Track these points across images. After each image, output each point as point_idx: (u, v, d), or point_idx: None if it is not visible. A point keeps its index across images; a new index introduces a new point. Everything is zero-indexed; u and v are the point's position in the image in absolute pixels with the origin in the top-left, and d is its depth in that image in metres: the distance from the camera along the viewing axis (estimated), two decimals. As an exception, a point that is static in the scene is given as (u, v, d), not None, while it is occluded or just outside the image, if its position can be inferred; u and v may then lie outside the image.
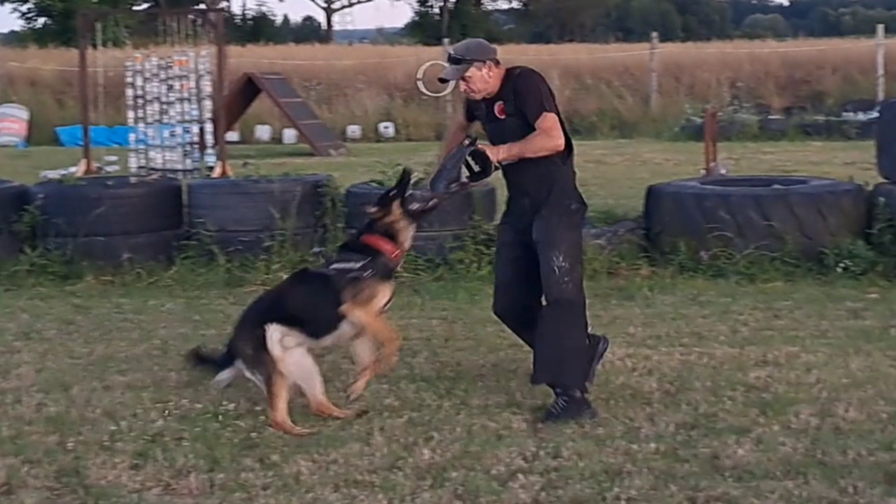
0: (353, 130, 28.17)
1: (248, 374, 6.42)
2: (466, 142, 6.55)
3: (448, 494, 5.27)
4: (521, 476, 5.45)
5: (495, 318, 8.57)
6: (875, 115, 14.77)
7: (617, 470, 5.53)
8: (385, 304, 6.59)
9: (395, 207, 6.62)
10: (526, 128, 6.54)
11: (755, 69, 31.09)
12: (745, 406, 6.49)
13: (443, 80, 6.84)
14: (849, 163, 17.63)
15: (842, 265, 9.95)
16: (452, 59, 6.72)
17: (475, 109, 6.87)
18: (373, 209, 6.70)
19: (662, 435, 6.03)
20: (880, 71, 27.99)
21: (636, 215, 11.05)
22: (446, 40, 31.03)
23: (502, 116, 6.68)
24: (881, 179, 10.75)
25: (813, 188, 10.68)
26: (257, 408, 6.56)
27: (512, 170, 6.65)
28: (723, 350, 7.66)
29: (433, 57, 29.20)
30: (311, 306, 6.50)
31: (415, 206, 6.61)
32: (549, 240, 6.55)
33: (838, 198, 10.37)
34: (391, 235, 6.62)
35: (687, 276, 10.05)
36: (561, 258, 6.50)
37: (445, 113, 27.70)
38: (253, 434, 6.15)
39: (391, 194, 6.68)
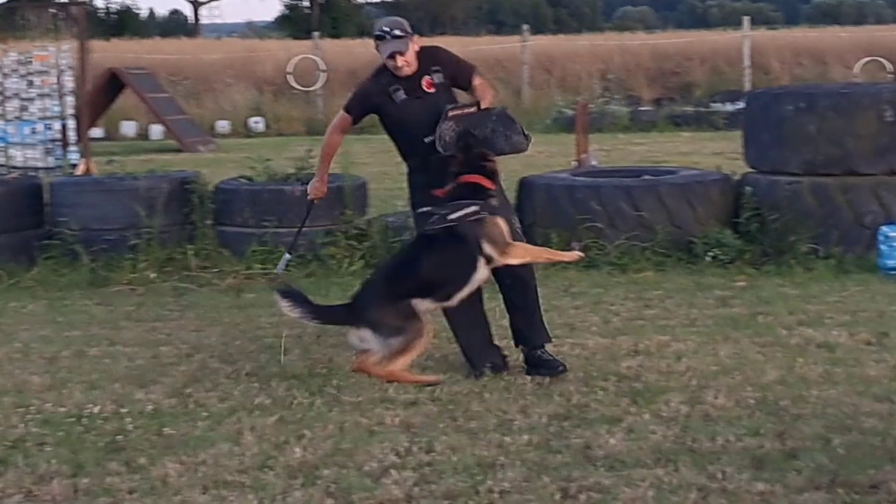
0: (223, 126, 27.84)
1: (374, 343, 6.41)
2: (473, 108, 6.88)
3: (320, 493, 5.21)
4: (393, 472, 5.41)
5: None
6: (742, 105, 14.97)
7: (490, 463, 5.51)
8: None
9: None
10: (449, 100, 6.93)
11: (625, 61, 31.44)
12: (616, 396, 6.52)
13: (392, 56, 6.89)
14: (717, 153, 17.88)
15: (710, 254, 10.06)
16: (393, 35, 6.84)
17: (388, 92, 6.95)
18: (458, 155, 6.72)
19: (535, 426, 6.02)
20: (747, 62, 28.47)
21: (508, 207, 11.03)
22: (316, 34, 30.84)
23: (431, 90, 6.92)
24: (748, 169, 10.90)
25: (682, 178, 10.79)
26: (123, 409, 6.44)
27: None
28: (595, 340, 7.68)
29: (303, 51, 29.08)
30: (450, 265, 6.55)
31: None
32: (509, 209, 7.06)
33: (707, 187, 10.49)
34: (485, 173, 6.70)
35: (559, 267, 10.07)
36: (518, 224, 6.89)
37: (316, 107, 27.56)
38: (118, 437, 6.00)
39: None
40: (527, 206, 10.70)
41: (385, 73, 7.06)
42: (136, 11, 75.70)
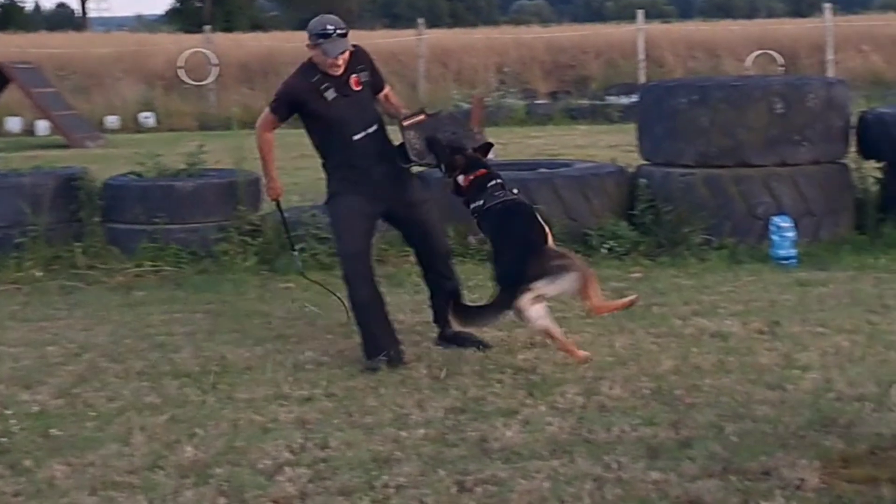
0: (112, 121, 27.39)
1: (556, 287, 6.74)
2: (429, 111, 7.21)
3: (212, 492, 5.13)
4: (288, 469, 5.34)
5: (262, 309, 8.48)
6: (636, 98, 15.09)
7: (385, 458, 5.47)
8: None
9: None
10: (372, 98, 7.16)
11: (521, 54, 31.54)
12: (513, 388, 6.51)
13: (333, 58, 6.93)
14: (612, 145, 17.98)
15: (606, 246, 10.11)
16: (339, 34, 6.90)
17: (319, 90, 6.97)
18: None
19: (431, 420, 5.99)
20: (641, 55, 28.72)
21: (403, 201, 10.98)
22: (208, 27, 30.52)
23: (358, 88, 7.04)
24: (642, 161, 10.97)
25: (577, 171, 10.83)
26: (7, 411, 6.30)
27: (374, 139, 7.07)
28: (491, 333, 7.64)
29: (195, 45, 28.75)
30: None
31: None
32: (428, 198, 7.31)
33: (602, 180, 10.53)
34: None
35: (456, 260, 9.98)
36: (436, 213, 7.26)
37: (208, 102, 27.27)
38: (3, 439, 5.86)
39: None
40: (423, 199, 10.64)
41: (313, 71, 7.05)
42: (21, 5, 74.37)
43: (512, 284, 6.70)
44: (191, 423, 6.04)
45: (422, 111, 7.30)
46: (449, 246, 7.65)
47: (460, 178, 7.13)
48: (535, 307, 6.71)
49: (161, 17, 77.46)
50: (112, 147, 22.62)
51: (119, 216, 10.50)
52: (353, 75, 7.05)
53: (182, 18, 65.59)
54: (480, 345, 7.35)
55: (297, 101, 7.07)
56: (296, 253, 8.38)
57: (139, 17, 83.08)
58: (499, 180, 7.12)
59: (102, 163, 16.46)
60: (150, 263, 10.03)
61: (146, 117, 27.55)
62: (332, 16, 7.12)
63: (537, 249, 6.81)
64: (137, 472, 5.35)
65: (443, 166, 7.16)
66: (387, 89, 7.34)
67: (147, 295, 9.37)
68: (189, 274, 9.88)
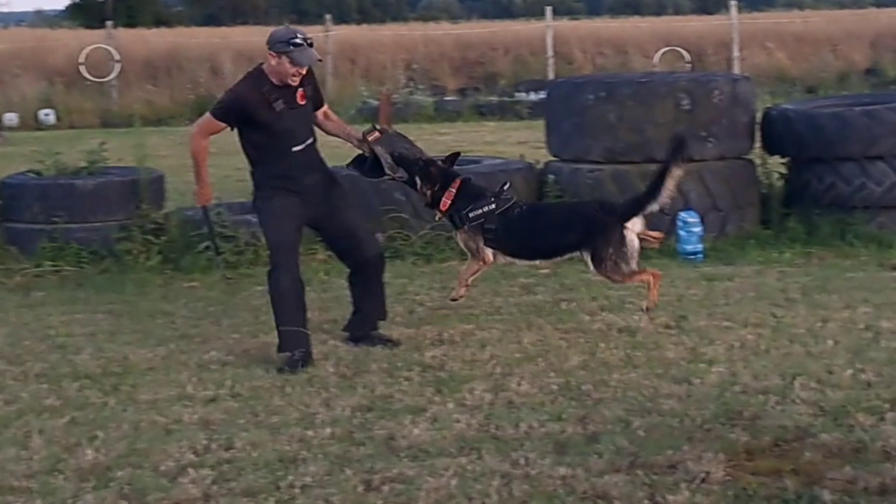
0: (10, 118, 26.84)
1: None
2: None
3: (113, 495, 5.05)
4: (191, 471, 5.27)
5: (165, 309, 8.37)
6: (544, 95, 15.12)
7: (292, 457, 5.42)
8: None
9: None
10: (312, 113, 7.26)
11: (430, 51, 31.51)
12: (421, 385, 6.49)
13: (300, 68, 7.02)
14: (521, 142, 18.02)
15: (515, 242, 10.08)
16: (309, 44, 7.01)
17: (269, 101, 6.98)
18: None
19: (338, 419, 5.95)
20: (550, 52, 28.81)
21: (311, 199, 10.91)
22: (110, 23, 30.07)
23: (303, 102, 7.12)
24: (551, 157, 10.98)
25: (486, 167, 10.80)
26: None
27: (310, 150, 7.18)
28: (399, 331, 7.62)
29: (96, 41, 28.32)
30: None
31: None
32: (354, 205, 7.49)
33: (510, 176, 10.48)
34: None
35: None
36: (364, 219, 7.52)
37: (111, 99, 26.89)
38: None
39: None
40: (329, 196, 10.58)
41: (264, 81, 7.04)
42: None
43: None
44: (91, 426, 5.94)
45: (374, 128, 7.47)
46: (381, 251, 7.63)
47: (439, 193, 7.41)
48: None
49: (62, 12, 76.11)
50: (11, 145, 22.14)
51: (17, 216, 10.27)
52: (300, 89, 7.08)
53: (83, 14, 64.47)
54: (389, 342, 7.30)
55: (245, 110, 7.03)
56: (220, 258, 8.29)
57: (39, 13, 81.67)
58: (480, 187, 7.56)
59: (0, 161, 16.19)
60: (50, 263, 9.84)
61: (46, 114, 27.03)
62: (296, 27, 7.22)
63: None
64: (36, 477, 5.25)
65: (417, 179, 7.44)
66: (325, 107, 7.45)
67: (47, 295, 9.20)
68: (90, 274, 9.72)
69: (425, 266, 9.83)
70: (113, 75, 27.45)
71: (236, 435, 5.73)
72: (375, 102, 22.42)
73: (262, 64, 7.16)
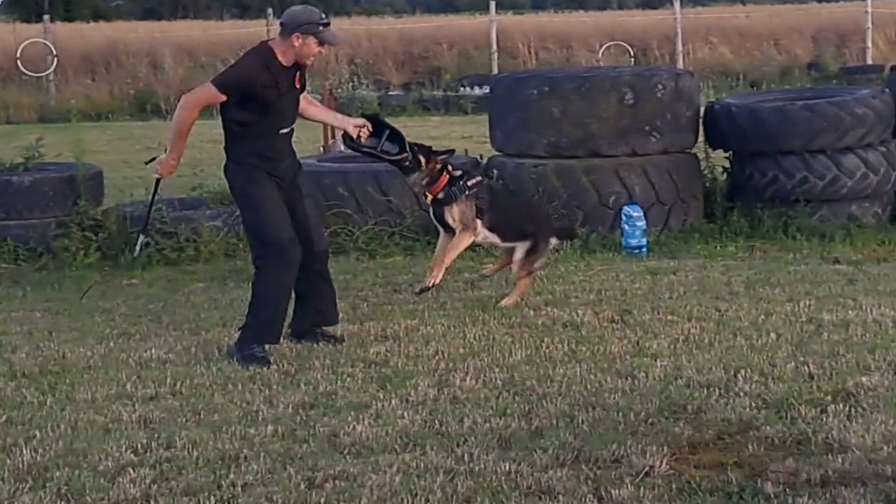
0: (-54, 113, 26.52)
1: None
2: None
3: (50, 495, 4.96)
4: (130, 470, 5.20)
5: (104, 306, 8.28)
6: (488, 89, 15.11)
7: (233, 456, 5.36)
8: None
9: None
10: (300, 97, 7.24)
11: (374, 46, 31.43)
12: (364, 382, 6.44)
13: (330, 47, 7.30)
14: (465, 136, 17.99)
15: (458, 237, 10.05)
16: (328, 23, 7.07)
17: (276, 82, 6.92)
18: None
19: (280, 417, 5.89)
20: (494, 47, 28.83)
21: (253, 195, 10.83)
22: (47, 17, 29.75)
23: (299, 86, 7.13)
24: (495, 152, 10.96)
25: (430, 162, 10.75)
26: None
27: (290, 135, 7.19)
28: (343, 327, 7.56)
29: (33, 35, 28.03)
30: None
31: None
32: (308, 196, 7.36)
33: (454, 171, 10.47)
34: None
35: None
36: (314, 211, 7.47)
37: (48, 94, 26.61)
38: None
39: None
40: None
41: (273, 61, 6.95)
42: None
43: None
44: (29, 425, 5.85)
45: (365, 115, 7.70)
46: (327, 246, 7.56)
47: (437, 176, 7.84)
48: None
49: (-3, 7, 75.22)
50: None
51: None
52: (299, 72, 7.06)
53: (20, 8, 63.65)
54: (332, 339, 7.25)
55: (251, 87, 6.91)
56: (143, 238, 8.14)
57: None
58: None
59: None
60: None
61: (-18, 110, 26.74)
62: (313, 8, 7.13)
63: None
64: (-29, 478, 5.15)
65: (421, 162, 7.90)
66: (306, 93, 7.39)
67: (-13, 294, 9.08)
68: (27, 271, 9.62)
69: (369, 262, 9.79)
70: (50, 70, 27.17)
71: (177, 433, 5.65)
72: (318, 98, 22.31)
73: (267, 42, 7.11)
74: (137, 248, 8.12)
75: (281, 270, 6.98)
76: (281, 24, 7.05)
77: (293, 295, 7.21)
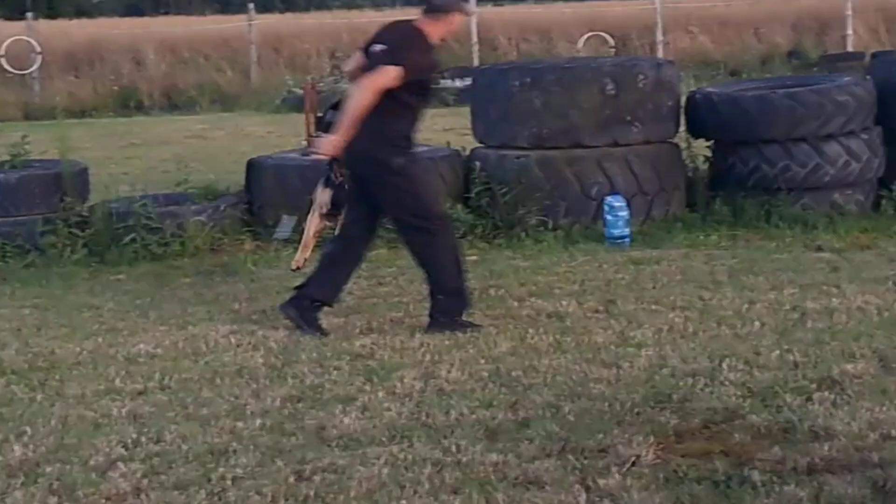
0: (-70, 112, 26.45)
1: None
2: None
3: (42, 491, 4.98)
4: (121, 465, 5.22)
5: (92, 302, 8.30)
6: (470, 81, 15.12)
7: (222, 449, 5.38)
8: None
9: None
10: None
11: (354, 39, 31.22)
12: (350, 375, 6.47)
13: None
14: (447, 129, 17.94)
15: (442, 229, 10.08)
16: None
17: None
18: None
19: (268, 410, 5.92)
20: (474, 38, 28.82)
21: (238, 189, 10.88)
22: (30, 14, 29.66)
23: None
24: (477, 144, 10.99)
25: (412, 154, 10.79)
26: None
27: None
28: (328, 320, 7.57)
29: (17, 32, 27.92)
30: None
31: None
32: None
33: (437, 163, 10.51)
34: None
35: (292, 248, 9.92)
36: None
37: (32, 91, 26.55)
38: None
39: None
40: (256, 187, 10.57)
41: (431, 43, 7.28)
42: None
43: None
44: (19, 422, 5.87)
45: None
46: None
47: None
48: None
49: (-20, 4, 74.90)
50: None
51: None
52: None
53: (2, 5, 63.46)
54: (319, 332, 7.29)
55: (430, 71, 7.30)
56: (288, 218, 8.33)
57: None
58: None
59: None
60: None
61: (-34, 108, 26.67)
62: None
63: None
64: (-37, 475, 5.17)
65: None
66: None
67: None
68: (15, 268, 9.60)
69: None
70: (34, 67, 27.10)
71: (166, 428, 5.68)
72: (301, 92, 22.31)
73: (412, 23, 7.27)
74: (285, 230, 8.18)
75: (451, 238, 7.38)
76: (436, 4, 7.23)
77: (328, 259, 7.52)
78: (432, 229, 7.25)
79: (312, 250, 8.00)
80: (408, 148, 7.26)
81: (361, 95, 7.03)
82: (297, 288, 7.53)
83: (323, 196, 7.84)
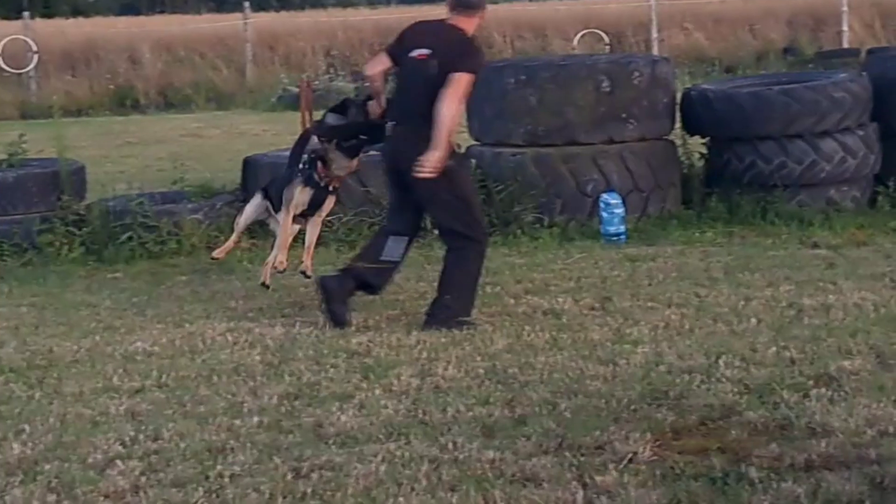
0: (-72, 112, 26.43)
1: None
2: None
3: (41, 488, 4.99)
4: (119, 462, 5.23)
5: (89, 300, 8.30)
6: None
7: (220, 447, 5.39)
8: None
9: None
10: None
11: (349, 37, 31.35)
12: (347, 372, 6.48)
13: None
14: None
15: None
16: None
17: None
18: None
19: (266, 408, 5.93)
20: (469, 36, 28.80)
21: (234, 188, 10.90)
22: (26, 14, 29.63)
23: None
24: (472, 142, 11.00)
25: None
26: None
27: None
28: (323, 318, 7.59)
29: (13, 32, 27.90)
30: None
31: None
32: None
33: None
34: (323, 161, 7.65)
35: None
36: None
37: (29, 90, 26.54)
38: None
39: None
40: (252, 184, 10.53)
41: None
42: None
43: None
44: (17, 420, 5.88)
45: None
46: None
47: None
48: None
49: (-24, 4, 74.77)
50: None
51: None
52: None
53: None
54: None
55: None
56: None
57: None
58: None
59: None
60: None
61: (-36, 107, 26.66)
62: None
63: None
64: (-38, 473, 5.18)
65: None
66: None
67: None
68: (12, 267, 9.62)
69: (348, 252, 9.77)
70: (31, 66, 27.10)
71: (164, 426, 5.69)
72: (296, 90, 22.32)
73: (450, 25, 7.41)
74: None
75: (485, 250, 7.51)
76: (471, 2, 7.37)
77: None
78: (474, 237, 7.36)
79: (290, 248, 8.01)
80: (452, 150, 7.28)
81: (452, 108, 7.12)
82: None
83: (302, 195, 7.80)
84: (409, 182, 7.23)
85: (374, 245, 7.67)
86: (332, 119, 7.73)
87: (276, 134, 18.06)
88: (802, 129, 10.24)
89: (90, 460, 5.29)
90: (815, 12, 30.98)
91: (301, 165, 7.75)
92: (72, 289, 8.91)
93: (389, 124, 7.46)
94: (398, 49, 7.48)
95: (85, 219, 10.08)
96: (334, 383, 6.28)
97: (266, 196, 8.18)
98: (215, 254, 8.47)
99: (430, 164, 7.04)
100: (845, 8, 28.02)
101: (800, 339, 6.71)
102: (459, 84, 7.11)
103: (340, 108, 7.81)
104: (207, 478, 5.03)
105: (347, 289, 7.46)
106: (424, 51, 7.27)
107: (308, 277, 7.95)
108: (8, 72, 26.67)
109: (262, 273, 8.13)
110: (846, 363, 6.19)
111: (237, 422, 5.72)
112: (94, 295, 8.70)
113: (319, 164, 7.64)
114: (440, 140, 7.04)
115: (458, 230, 7.38)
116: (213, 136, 19.31)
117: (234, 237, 8.44)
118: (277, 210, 7.97)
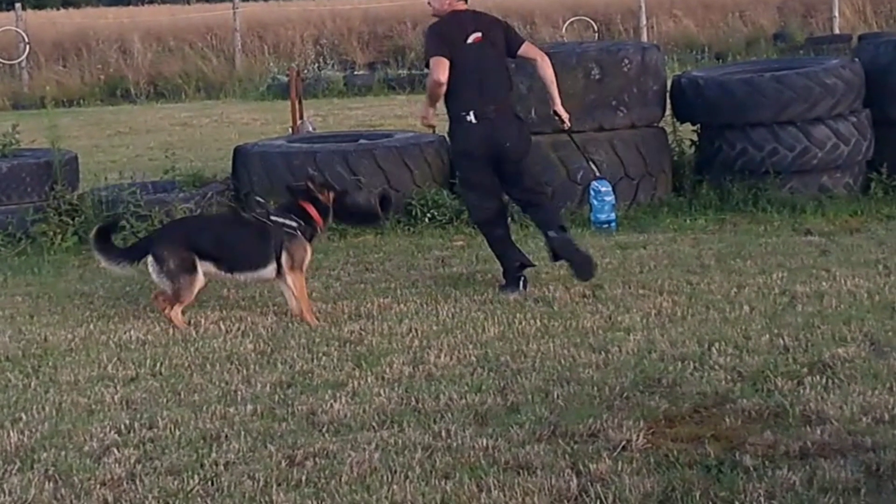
0: (-81, 103, 26.35)
1: (154, 276, 7.39)
2: None
3: (38, 476, 5.03)
4: (115, 450, 5.27)
5: (83, 290, 8.31)
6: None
7: (214, 435, 5.43)
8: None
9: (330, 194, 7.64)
10: None
11: (338, 26, 31.31)
12: (340, 360, 6.51)
13: None
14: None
15: (428, 215, 10.12)
16: None
17: None
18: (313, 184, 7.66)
19: (259, 396, 5.96)
20: (458, 24, 28.78)
21: (225, 177, 10.91)
22: (18, 5, 29.57)
23: None
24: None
25: (398, 141, 10.83)
26: None
27: None
28: (316, 306, 7.61)
29: (5, 23, 27.86)
30: (240, 245, 7.49)
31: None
32: None
33: (422, 150, 10.55)
34: (320, 209, 7.57)
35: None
36: None
37: (21, 81, 26.49)
38: None
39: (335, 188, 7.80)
40: (242, 174, 10.56)
41: None
42: None
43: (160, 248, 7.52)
44: (14, 408, 5.92)
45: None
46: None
47: None
48: None
49: (-33, -5, 74.52)
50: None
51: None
52: None
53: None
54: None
55: None
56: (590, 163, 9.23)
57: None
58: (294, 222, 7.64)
59: None
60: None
61: (-44, 97, 26.59)
62: None
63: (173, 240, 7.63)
64: (-41, 461, 5.20)
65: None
66: None
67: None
68: (6, 256, 9.61)
69: (340, 241, 9.82)
70: (22, 57, 27.04)
71: (158, 414, 5.73)
72: (285, 79, 22.29)
73: (481, 11, 8.28)
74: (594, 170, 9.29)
75: None
76: None
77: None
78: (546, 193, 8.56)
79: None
80: None
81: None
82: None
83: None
84: (507, 156, 7.93)
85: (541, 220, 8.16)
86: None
87: (266, 123, 18.08)
88: (794, 115, 10.24)
89: (86, 448, 5.33)
90: (806, -2, 30.97)
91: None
92: (66, 278, 8.92)
93: (470, 114, 7.88)
94: (447, 44, 7.80)
95: (78, 208, 10.08)
96: (327, 371, 6.31)
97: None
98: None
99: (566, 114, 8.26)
100: (836, -7, 28.00)
101: (793, 326, 6.73)
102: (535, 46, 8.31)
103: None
104: (203, 465, 5.07)
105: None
106: (477, 34, 7.85)
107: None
108: (1, 63, 26.61)
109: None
110: (840, 350, 6.22)
111: (231, 410, 5.75)
112: (87, 284, 8.70)
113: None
114: (557, 94, 8.25)
115: (538, 189, 8.28)
116: (204, 126, 19.27)
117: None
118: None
